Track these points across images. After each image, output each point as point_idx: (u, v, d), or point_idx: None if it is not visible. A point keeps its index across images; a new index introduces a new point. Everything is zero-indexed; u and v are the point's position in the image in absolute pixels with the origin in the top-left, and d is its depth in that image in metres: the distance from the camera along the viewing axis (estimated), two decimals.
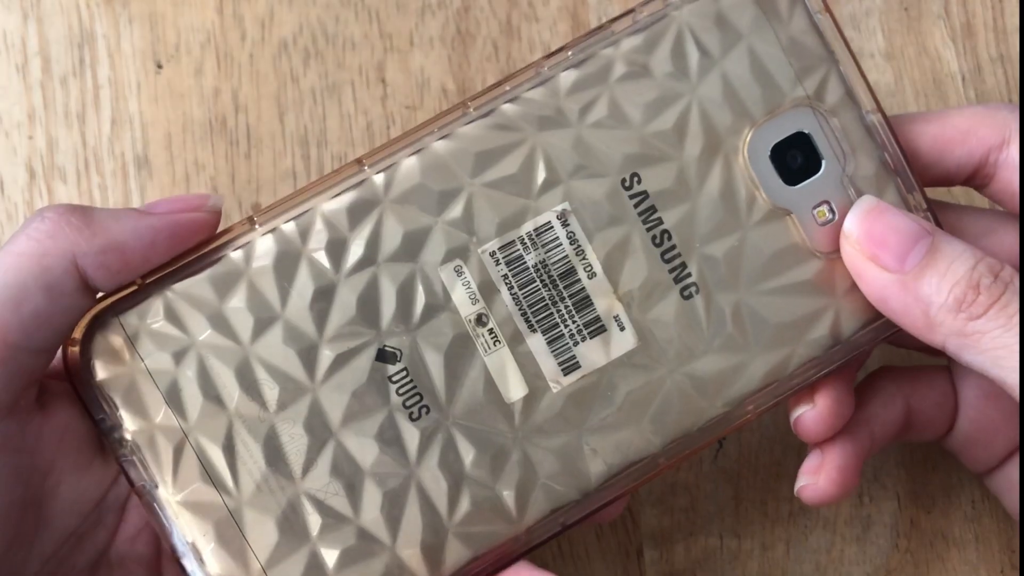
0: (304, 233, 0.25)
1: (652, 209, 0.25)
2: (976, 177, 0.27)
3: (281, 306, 0.25)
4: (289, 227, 0.25)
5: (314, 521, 0.24)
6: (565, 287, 0.25)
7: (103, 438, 0.25)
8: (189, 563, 0.24)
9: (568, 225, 0.25)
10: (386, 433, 0.25)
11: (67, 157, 0.32)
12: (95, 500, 0.25)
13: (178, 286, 0.25)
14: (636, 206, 0.25)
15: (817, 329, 0.26)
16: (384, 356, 0.25)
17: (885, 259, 0.25)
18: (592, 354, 0.25)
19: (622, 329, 0.25)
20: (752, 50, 0.25)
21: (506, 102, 0.25)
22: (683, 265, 0.25)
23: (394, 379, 0.25)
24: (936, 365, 0.30)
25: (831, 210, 0.26)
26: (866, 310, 0.26)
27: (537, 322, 0.25)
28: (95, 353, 0.24)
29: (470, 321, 0.25)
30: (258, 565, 0.24)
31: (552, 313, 0.25)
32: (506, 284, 0.25)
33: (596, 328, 0.25)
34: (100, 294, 0.24)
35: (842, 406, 0.27)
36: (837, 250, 0.26)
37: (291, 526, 0.24)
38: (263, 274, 0.25)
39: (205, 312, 0.24)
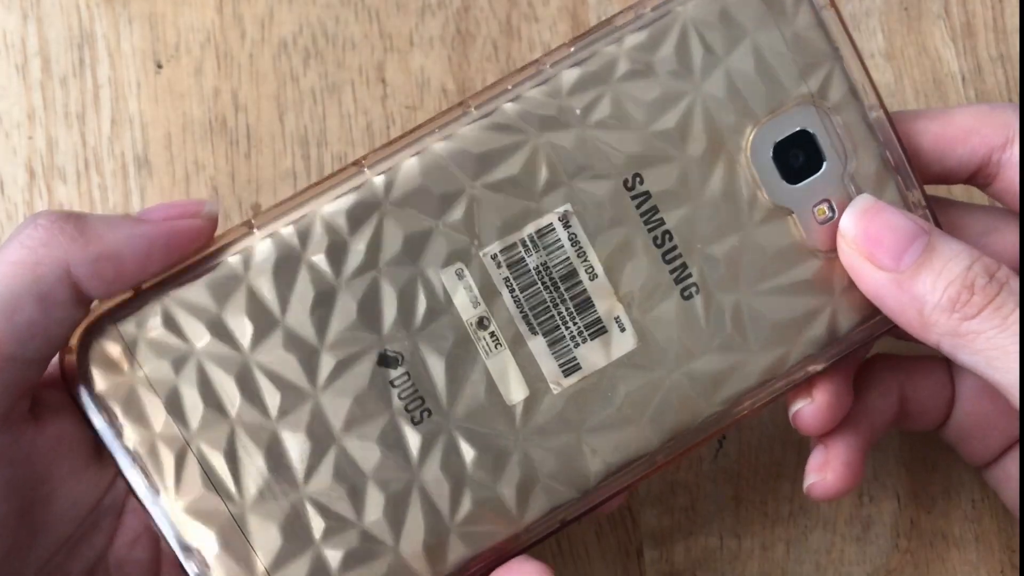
0: (304, 238, 0.24)
1: (654, 210, 0.25)
2: (978, 176, 0.27)
3: (281, 312, 0.24)
4: (288, 231, 0.24)
5: (317, 524, 0.24)
6: (566, 289, 0.25)
7: (104, 447, 0.24)
8: (192, 569, 0.24)
9: (570, 227, 0.25)
10: (388, 437, 0.25)
11: (67, 157, 0.32)
12: (91, 505, 0.25)
13: (176, 293, 0.24)
14: (638, 207, 0.25)
15: (815, 327, 0.26)
16: (386, 361, 0.25)
17: (881, 258, 0.24)
18: (593, 355, 0.25)
19: (623, 330, 0.25)
20: (757, 47, 0.25)
21: (508, 101, 0.25)
22: (684, 266, 0.25)
23: (395, 383, 0.25)
24: (935, 355, 0.30)
25: (831, 208, 0.26)
26: (864, 307, 0.26)
27: (538, 324, 0.25)
28: (93, 363, 0.24)
29: (471, 324, 0.25)
30: (262, 568, 0.24)
31: (553, 315, 0.25)
32: (507, 287, 0.25)
33: (597, 329, 0.25)
34: (96, 302, 0.24)
35: (840, 400, 0.27)
36: (836, 248, 0.26)
37: (295, 530, 0.24)
38: (262, 280, 0.24)
39: (204, 319, 0.24)
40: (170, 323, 0.24)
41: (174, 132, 0.32)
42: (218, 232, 0.25)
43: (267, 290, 0.24)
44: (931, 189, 0.27)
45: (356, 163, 0.25)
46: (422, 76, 0.33)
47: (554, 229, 0.25)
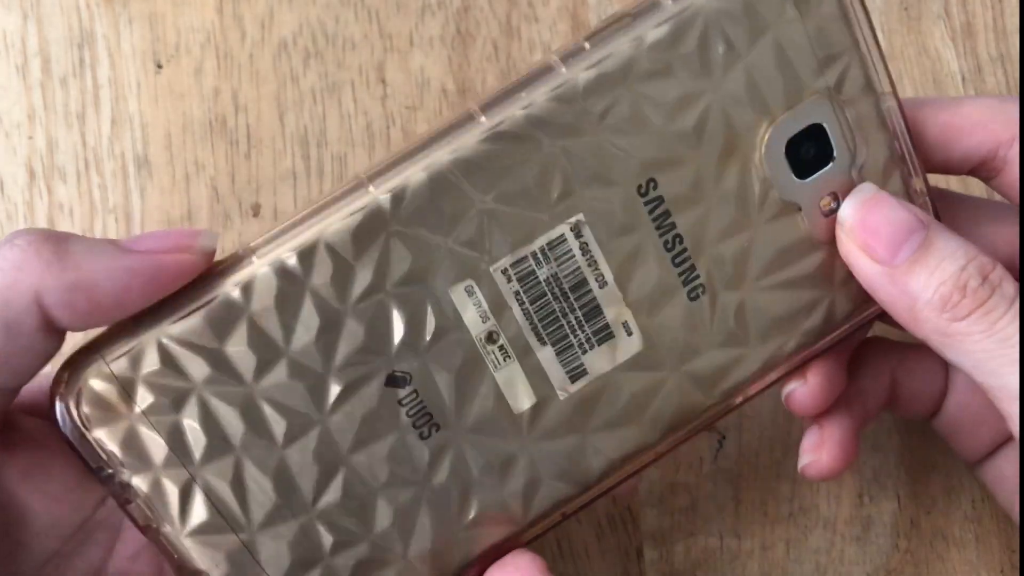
0: (307, 265, 0.23)
1: (666, 214, 0.24)
2: (982, 169, 0.27)
3: (285, 343, 0.23)
4: (291, 260, 0.23)
5: (327, 540, 0.24)
6: (576, 298, 0.24)
7: (103, 486, 0.23)
8: None
9: (581, 236, 0.24)
10: (396, 453, 0.24)
11: (67, 157, 0.32)
12: (76, 524, 0.24)
13: (173, 328, 0.23)
14: (650, 212, 0.24)
15: (814, 317, 0.26)
16: (394, 381, 0.24)
17: (876, 250, 0.24)
18: (599, 360, 0.25)
19: (629, 334, 0.25)
20: (778, 41, 0.24)
21: (520, 109, 0.23)
22: (692, 267, 0.25)
23: (403, 401, 0.24)
24: None
25: (836, 200, 0.25)
26: (860, 295, 0.26)
27: (547, 335, 0.24)
28: (86, 404, 0.23)
29: (480, 339, 0.24)
30: None
31: (562, 325, 0.24)
32: (517, 300, 0.24)
33: (604, 335, 0.25)
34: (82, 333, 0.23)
35: (833, 383, 0.27)
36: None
37: (304, 548, 0.24)
38: (265, 311, 0.23)
39: (204, 355, 0.23)
40: (168, 361, 0.23)
41: (174, 132, 0.32)
42: (220, 229, 0.25)
43: (270, 321, 0.23)
44: (931, 179, 0.27)
45: (360, 181, 0.24)
46: (422, 76, 0.33)
47: (565, 240, 0.24)
